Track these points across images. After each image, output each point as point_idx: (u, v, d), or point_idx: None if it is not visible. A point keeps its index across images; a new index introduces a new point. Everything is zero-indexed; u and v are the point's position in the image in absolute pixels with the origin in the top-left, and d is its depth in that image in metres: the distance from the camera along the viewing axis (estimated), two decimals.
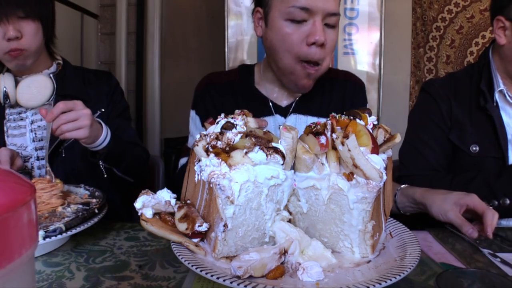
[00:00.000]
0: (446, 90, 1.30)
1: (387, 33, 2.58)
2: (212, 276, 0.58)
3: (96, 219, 0.86)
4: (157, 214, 0.73)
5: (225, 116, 0.75)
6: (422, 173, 1.25)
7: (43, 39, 1.22)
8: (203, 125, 1.18)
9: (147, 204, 0.72)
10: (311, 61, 1.03)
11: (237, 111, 0.78)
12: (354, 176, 0.68)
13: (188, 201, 0.76)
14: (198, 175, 0.72)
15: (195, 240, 0.69)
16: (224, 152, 0.67)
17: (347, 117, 0.74)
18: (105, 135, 1.11)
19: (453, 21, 2.84)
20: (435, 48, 2.87)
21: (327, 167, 0.71)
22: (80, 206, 0.93)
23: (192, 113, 1.23)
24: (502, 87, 1.22)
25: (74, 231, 0.80)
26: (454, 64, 2.87)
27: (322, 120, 1.13)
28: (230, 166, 0.65)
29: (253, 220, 0.68)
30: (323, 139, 0.69)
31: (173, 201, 0.74)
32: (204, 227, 0.68)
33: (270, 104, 1.16)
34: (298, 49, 1.02)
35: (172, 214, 0.73)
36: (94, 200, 0.97)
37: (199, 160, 0.71)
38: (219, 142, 0.68)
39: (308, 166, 0.71)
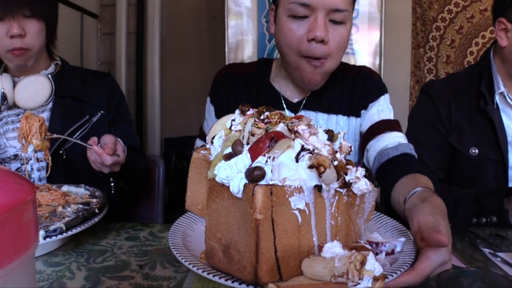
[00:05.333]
0: (446, 92, 1.29)
1: (387, 33, 2.58)
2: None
3: (96, 219, 0.86)
4: None
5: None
6: None
7: (46, 40, 1.22)
8: (216, 114, 1.19)
9: None
10: (313, 56, 1.03)
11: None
12: None
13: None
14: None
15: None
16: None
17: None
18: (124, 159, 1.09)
19: (453, 21, 2.84)
20: (435, 48, 2.86)
21: None
22: (81, 206, 0.93)
23: (208, 100, 1.25)
24: (502, 89, 1.21)
25: (74, 231, 0.80)
26: (454, 64, 2.87)
27: (333, 117, 1.15)
28: None
29: None
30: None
31: None
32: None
33: (282, 100, 1.16)
34: (299, 45, 1.02)
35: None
36: (94, 200, 0.97)
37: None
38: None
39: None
